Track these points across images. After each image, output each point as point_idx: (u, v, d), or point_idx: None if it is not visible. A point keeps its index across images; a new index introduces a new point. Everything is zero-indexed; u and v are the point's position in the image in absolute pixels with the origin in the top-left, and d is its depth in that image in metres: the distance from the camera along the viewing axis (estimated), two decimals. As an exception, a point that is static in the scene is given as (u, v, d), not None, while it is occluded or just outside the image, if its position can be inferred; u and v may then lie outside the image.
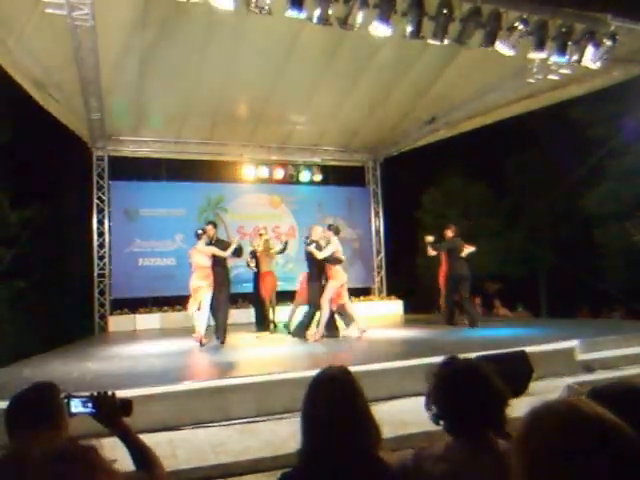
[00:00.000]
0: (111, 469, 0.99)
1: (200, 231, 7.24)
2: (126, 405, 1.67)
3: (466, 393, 1.52)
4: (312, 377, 1.61)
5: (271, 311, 8.72)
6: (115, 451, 1.56)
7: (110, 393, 1.66)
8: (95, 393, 1.65)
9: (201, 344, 6.78)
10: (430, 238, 8.36)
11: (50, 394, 1.64)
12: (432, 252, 8.33)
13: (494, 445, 1.48)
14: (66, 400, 1.63)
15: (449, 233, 8.32)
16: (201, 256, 7.05)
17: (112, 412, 1.63)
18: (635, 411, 0.92)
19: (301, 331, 7.14)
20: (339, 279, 7.09)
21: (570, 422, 0.81)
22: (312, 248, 7.02)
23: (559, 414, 0.83)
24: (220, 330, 7.05)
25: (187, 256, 7.46)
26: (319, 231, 7.35)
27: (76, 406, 1.63)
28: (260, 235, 8.77)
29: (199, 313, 7.01)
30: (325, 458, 1.43)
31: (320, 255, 6.94)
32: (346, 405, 1.49)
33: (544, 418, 0.84)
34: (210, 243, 7.17)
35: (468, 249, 8.06)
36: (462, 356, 1.73)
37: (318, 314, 7.08)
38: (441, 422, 1.57)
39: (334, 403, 1.49)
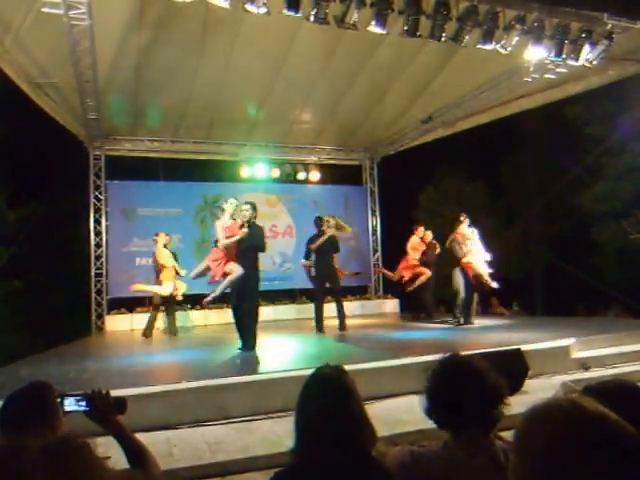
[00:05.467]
0: (105, 466, 1.00)
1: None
2: (120, 403, 1.67)
3: (462, 390, 1.52)
4: (306, 376, 1.61)
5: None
6: (110, 450, 1.57)
7: (104, 391, 1.66)
8: (89, 391, 1.65)
9: None
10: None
11: (44, 393, 1.64)
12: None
13: (491, 444, 1.49)
14: (60, 399, 1.63)
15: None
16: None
17: (106, 410, 1.63)
18: (629, 408, 0.92)
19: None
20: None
21: (573, 420, 0.80)
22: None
23: (562, 412, 0.82)
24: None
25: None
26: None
27: (70, 404, 1.62)
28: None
29: None
30: (318, 458, 1.43)
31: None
32: (340, 405, 1.48)
33: (546, 416, 0.84)
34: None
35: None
36: (457, 353, 1.73)
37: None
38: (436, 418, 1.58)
39: (328, 403, 1.48)
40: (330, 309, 8.01)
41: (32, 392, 1.64)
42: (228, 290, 6.17)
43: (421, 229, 9.48)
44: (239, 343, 6.09)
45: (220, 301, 7.93)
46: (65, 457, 0.96)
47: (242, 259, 6.11)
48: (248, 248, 6.14)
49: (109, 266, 10.48)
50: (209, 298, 6.06)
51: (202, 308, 10.14)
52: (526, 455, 0.83)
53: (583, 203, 13.90)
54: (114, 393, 1.70)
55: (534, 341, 5.51)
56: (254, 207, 6.39)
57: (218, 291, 6.05)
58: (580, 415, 0.81)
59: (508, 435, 1.13)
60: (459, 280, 7.82)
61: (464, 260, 7.70)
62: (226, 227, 6.32)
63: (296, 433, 1.50)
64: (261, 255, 10.27)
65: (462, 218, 8.01)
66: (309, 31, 6.83)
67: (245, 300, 6.08)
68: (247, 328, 6.05)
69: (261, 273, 9.30)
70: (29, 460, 0.94)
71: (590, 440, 0.77)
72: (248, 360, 5.72)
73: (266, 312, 10.88)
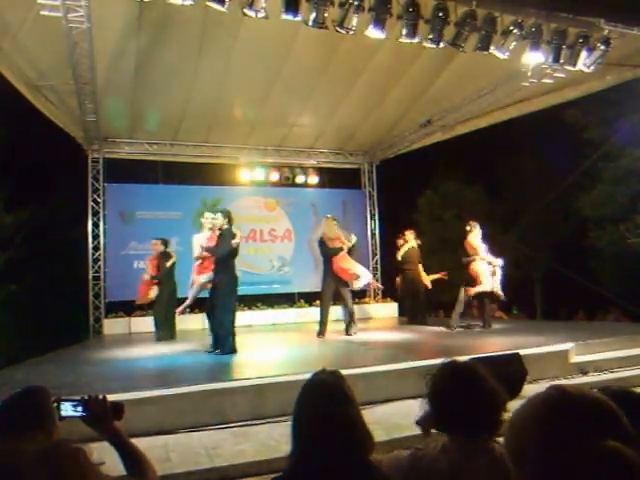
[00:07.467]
0: (100, 472, 0.99)
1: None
2: (117, 408, 1.65)
3: (463, 394, 1.53)
4: (304, 381, 1.60)
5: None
6: (106, 456, 1.56)
7: (101, 396, 1.64)
8: (86, 396, 1.63)
9: None
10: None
11: (40, 398, 1.63)
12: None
13: (490, 447, 1.48)
14: (56, 403, 1.62)
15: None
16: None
17: (103, 415, 1.61)
18: (627, 413, 0.92)
19: None
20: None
21: (563, 406, 0.81)
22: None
23: (552, 398, 0.83)
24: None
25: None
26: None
27: (66, 409, 1.61)
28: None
29: None
30: (315, 463, 1.42)
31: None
32: (337, 410, 1.47)
33: (537, 404, 0.84)
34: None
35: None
36: (458, 359, 1.74)
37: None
38: (423, 425, 1.58)
39: (325, 408, 1.47)
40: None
41: (28, 397, 1.63)
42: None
43: (409, 234, 9.51)
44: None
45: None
46: (60, 463, 0.95)
47: (216, 267, 6.47)
48: (217, 256, 6.41)
49: (107, 269, 10.45)
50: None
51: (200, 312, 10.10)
52: (518, 442, 0.82)
53: (581, 207, 13.93)
54: (111, 398, 1.69)
55: (533, 345, 5.51)
56: (225, 214, 6.46)
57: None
58: (570, 401, 0.81)
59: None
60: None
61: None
62: (206, 239, 6.99)
63: (293, 438, 1.49)
64: (259, 258, 10.16)
65: (469, 228, 8.00)
66: (308, 35, 6.84)
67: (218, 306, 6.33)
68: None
69: (257, 277, 9.37)
70: (24, 465, 0.93)
71: (581, 425, 0.77)
72: (245, 364, 5.70)
73: (265, 316, 10.92)
